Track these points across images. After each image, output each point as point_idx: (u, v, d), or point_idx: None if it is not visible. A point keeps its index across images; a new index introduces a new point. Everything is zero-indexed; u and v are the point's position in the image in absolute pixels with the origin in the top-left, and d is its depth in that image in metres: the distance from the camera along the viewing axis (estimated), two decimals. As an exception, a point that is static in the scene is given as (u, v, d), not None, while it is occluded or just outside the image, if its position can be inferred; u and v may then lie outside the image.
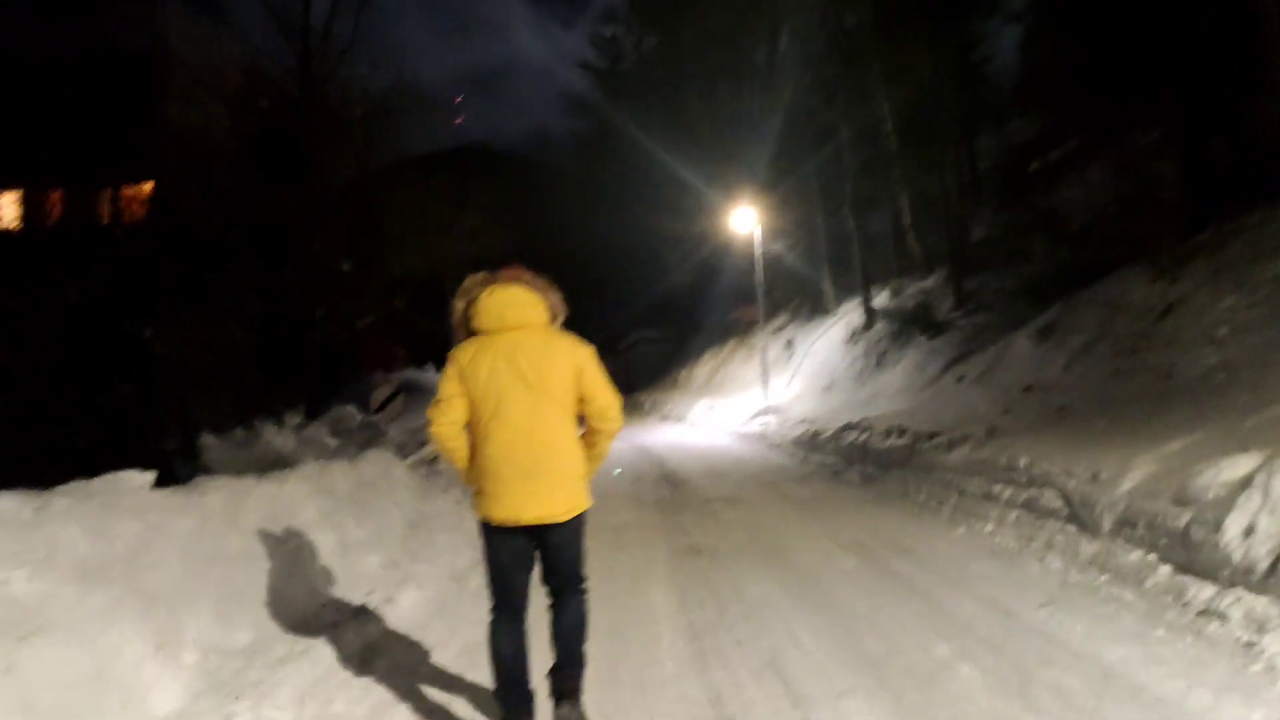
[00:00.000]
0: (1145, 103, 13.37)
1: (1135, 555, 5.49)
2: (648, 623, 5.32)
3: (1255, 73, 10.56)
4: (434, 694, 4.27)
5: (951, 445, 9.58)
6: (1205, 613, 4.59)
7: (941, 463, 9.42)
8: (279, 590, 4.93)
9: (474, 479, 3.58)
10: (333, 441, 11.97)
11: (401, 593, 5.85)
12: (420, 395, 20.09)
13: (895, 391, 16.13)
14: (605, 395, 3.62)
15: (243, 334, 18.09)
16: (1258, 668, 3.93)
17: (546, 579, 3.69)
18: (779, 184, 25.32)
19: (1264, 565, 4.45)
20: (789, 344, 26.03)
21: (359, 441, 12.42)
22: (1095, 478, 6.40)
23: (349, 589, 5.76)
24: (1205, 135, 11.84)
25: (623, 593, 6.01)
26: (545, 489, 3.48)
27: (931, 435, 10.46)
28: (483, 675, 4.03)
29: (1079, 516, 6.35)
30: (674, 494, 11.19)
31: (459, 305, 3.64)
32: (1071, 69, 15.02)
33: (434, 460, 11.78)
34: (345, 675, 4.46)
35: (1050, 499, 6.87)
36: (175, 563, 4.23)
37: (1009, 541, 6.81)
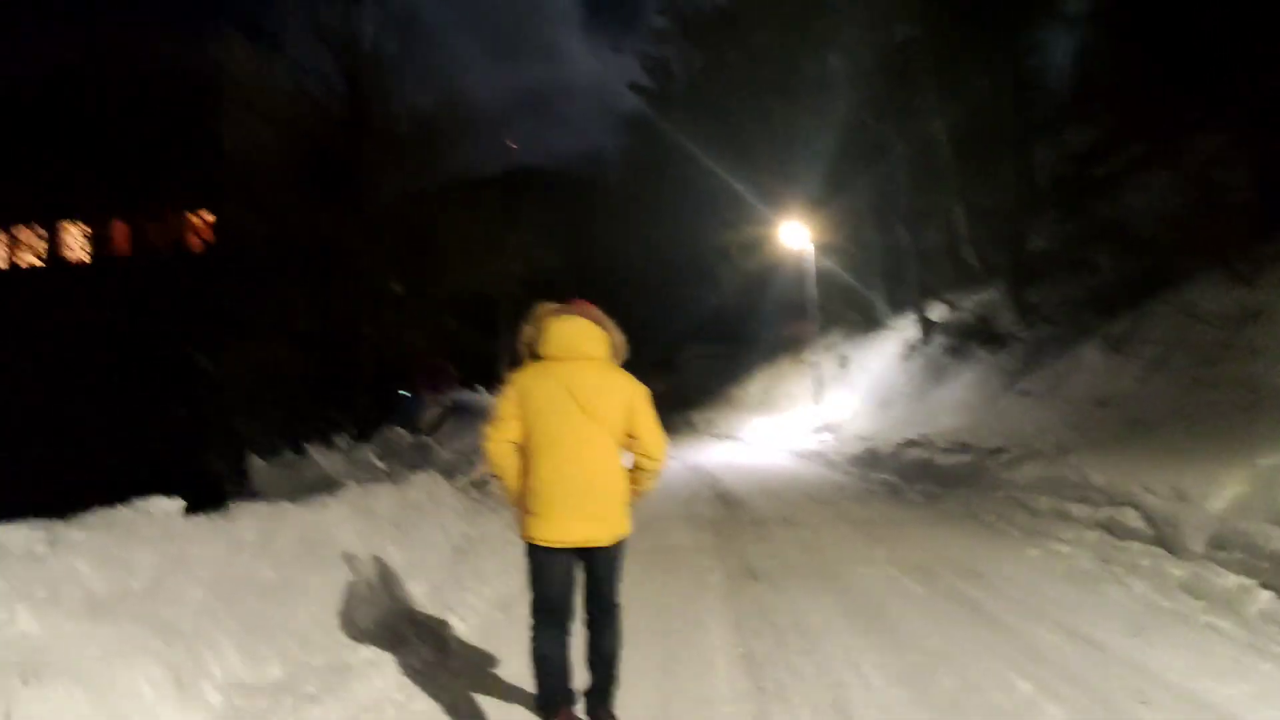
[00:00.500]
0: (1210, 105, 12.87)
1: (1231, 580, 5.10)
2: (702, 652, 5.03)
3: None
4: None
5: (1019, 461, 9.19)
6: (1316, 645, 4.20)
7: (1009, 480, 9.02)
8: (313, 622, 4.68)
9: (523, 499, 3.67)
10: (381, 463, 11.83)
11: (444, 623, 5.60)
12: (470, 416, 20.01)
13: (955, 407, 15.65)
14: (653, 436, 3.74)
15: (292, 355, 18.14)
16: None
17: (586, 602, 3.78)
18: (831, 199, 25.01)
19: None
20: (843, 360, 25.60)
21: (408, 463, 12.28)
22: (1181, 496, 6.00)
23: (389, 619, 5.49)
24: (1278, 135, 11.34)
25: (675, 618, 5.72)
26: (593, 512, 3.59)
27: (997, 451, 10.08)
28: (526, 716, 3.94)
29: (1164, 537, 5.94)
30: (729, 514, 10.88)
31: (528, 329, 3.77)
32: (1133, 73, 14.56)
33: (484, 483, 11.58)
34: (380, 714, 4.22)
35: (1130, 518, 6.47)
36: (200, 595, 4.02)
37: (1086, 564, 6.41)
